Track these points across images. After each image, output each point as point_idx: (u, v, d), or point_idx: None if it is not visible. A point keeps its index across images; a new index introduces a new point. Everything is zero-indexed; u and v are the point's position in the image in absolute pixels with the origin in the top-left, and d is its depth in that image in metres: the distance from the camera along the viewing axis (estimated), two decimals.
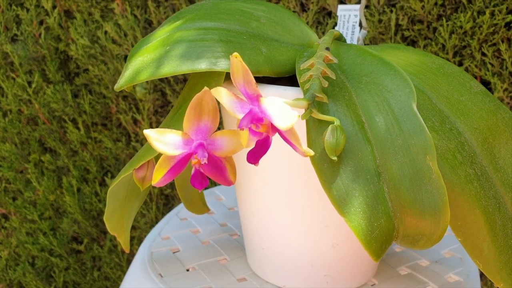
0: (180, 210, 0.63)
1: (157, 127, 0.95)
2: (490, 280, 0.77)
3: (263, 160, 0.32)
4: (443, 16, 0.70)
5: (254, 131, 0.30)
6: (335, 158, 0.31)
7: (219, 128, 0.33)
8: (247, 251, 0.50)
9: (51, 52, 0.94)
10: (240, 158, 0.40)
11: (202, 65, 0.36)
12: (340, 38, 0.43)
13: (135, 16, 0.88)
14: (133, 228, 1.01)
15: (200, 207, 0.57)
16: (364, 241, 0.31)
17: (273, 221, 0.44)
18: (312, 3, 0.77)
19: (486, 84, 0.71)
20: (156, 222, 0.99)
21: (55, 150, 1.02)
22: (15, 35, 0.94)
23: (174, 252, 0.53)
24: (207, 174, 0.34)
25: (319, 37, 0.44)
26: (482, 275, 0.71)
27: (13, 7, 0.92)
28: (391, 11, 0.72)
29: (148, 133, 0.31)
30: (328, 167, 0.32)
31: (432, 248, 0.45)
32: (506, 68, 0.68)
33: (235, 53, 0.29)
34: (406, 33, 0.72)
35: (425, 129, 0.31)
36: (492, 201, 0.36)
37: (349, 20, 0.51)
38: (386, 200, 0.32)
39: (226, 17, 0.41)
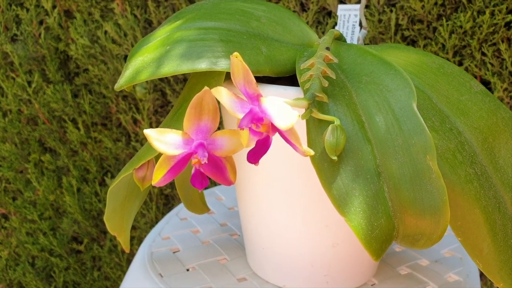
0: (180, 210, 0.63)
1: (157, 127, 0.94)
2: (490, 280, 0.77)
3: (263, 160, 0.32)
4: (443, 15, 0.70)
5: (254, 131, 0.30)
6: (335, 157, 0.31)
7: (219, 128, 0.33)
8: (247, 251, 0.50)
9: (51, 52, 0.94)
10: (240, 158, 0.40)
11: (203, 65, 0.36)
12: (340, 38, 0.43)
13: (135, 16, 0.88)
14: (133, 228, 1.01)
15: (200, 207, 0.57)
16: (364, 241, 0.31)
17: (273, 221, 0.44)
18: (312, 3, 0.77)
19: (486, 83, 0.71)
20: (156, 222, 0.99)
21: (55, 150, 1.02)
22: (15, 35, 0.94)
23: (174, 252, 0.53)
24: (207, 174, 0.34)
25: (319, 37, 0.44)
26: (482, 274, 0.71)
27: (13, 7, 0.92)
28: (391, 11, 0.72)
29: (148, 132, 0.31)
30: (328, 166, 0.32)
31: (432, 248, 0.45)
32: (506, 67, 0.68)
33: (236, 53, 0.29)
34: (406, 33, 0.72)
35: (425, 129, 0.31)
36: (492, 200, 0.36)
37: (349, 20, 0.51)
38: (386, 200, 0.32)
39: (226, 16, 0.41)
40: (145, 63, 0.38)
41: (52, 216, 1.03)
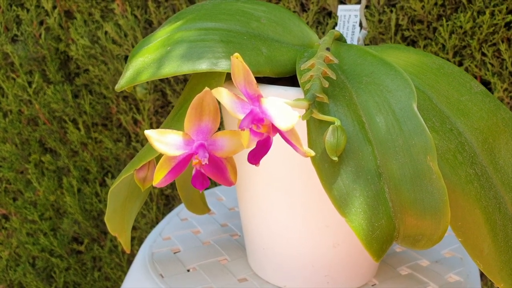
0: (180, 210, 0.63)
1: (157, 127, 0.95)
2: (490, 280, 0.77)
3: (263, 160, 0.32)
4: (443, 16, 0.70)
5: (255, 132, 0.30)
6: (335, 158, 0.31)
7: (219, 129, 0.33)
8: (247, 251, 0.50)
9: (51, 52, 0.94)
10: (241, 158, 0.40)
11: (203, 66, 0.36)
12: (340, 39, 0.43)
13: (135, 16, 0.88)
14: (134, 228, 1.01)
15: (201, 208, 0.57)
16: (365, 242, 0.32)
17: (274, 221, 0.44)
18: (312, 3, 0.77)
19: (486, 84, 0.71)
20: (157, 223, 0.99)
21: (56, 151, 1.02)
22: (16, 35, 0.94)
23: (175, 253, 0.53)
24: (208, 174, 0.34)
25: (320, 37, 0.44)
26: (482, 275, 0.71)
27: (13, 7, 0.92)
28: (391, 11, 0.72)
29: (149, 133, 0.31)
30: (328, 167, 0.32)
31: (432, 248, 0.45)
32: (506, 68, 0.68)
33: (236, 54, 0.29)
34: (406, 33, 0.72)
35: (425, 130, 0.31)
36: (492, 201, 0.36)
37: (349, 20, 0.51)
38: (387, 201, 0.32)
39: (226, 17, 0.41)
40: (145, 63, 0.38)
41: (52, 217, 1.03)
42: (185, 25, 0.40)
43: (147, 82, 0.92)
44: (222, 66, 0.36)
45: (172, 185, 0.97)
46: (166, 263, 0.51)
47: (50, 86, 0.95)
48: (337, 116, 0.33)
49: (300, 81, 0.35)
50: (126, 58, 0.91)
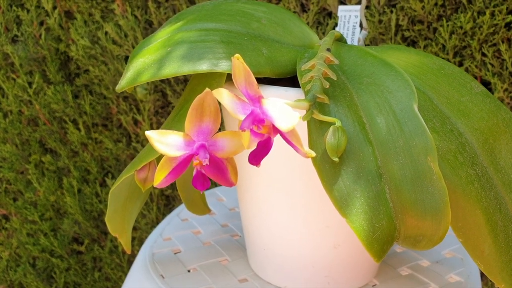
0: (181, 210, 0.63)
1: (157, 127, 0.95)
2: (490, 281, 0.77)
3: (264, 161, 0.32)
4: (443, 16, 0.70)
5: (255, 132, 0.30)
6: (336, 159, 0.31)
7: (220, 130, 0.33)
8: (248, 252, 0.50)
9: (52, 52, 0.94)
10: (241, 159, 0.40)
11: (204, 66, 0.36)
12: (341, 39, 0.43)
13: (136, 17, 0.88)
14: (134, 229, 1.01)
15: (202, 208, 0.57)
16: (365, 242, 0.32)
17: (275, 222, 0.44)
18: (313, 3, 0.77)
19: (486, 84, 0.71)
20: (157, 223, 0.99)
21: (56, 151, 1.02)
22: (16, 35, 0.94)
23: (175, 253, 0.53)
24: (209, 175, 0.34)
25: (320, 38, 0.44)
26: (482, 275, 0.71)
27: (14, 7, 0.92)
28: (391, 12, 0.72)
29: (150, 134, 0.31)
30: (329, 168, 0.32)
31: (433, 249, 0.45)
32: (506, 68, 0.68)
33: (237, 55, 0.29)
34: (406, 34, 0.73)
35: (426, 130, 0.31)
36: (493, 201, 0.36)
37: (350, 21, 0.51)
38: (388, 201, 0.32)
39: (227, 18, 0.41)
40: (146, 64, 0.38)
41: (52, 217, 1.03)
42: (185, 26, 0.40)
43: (148, 83, 0.92)
44: (222, 66, 0.36)
45: (173, 186, 0.97)
46: (167, 263, 0.51)
47: (50, 87, 0.95)
48: (338, 117, 0.33)
49: (301, 81, 0.35)
50: (126, 58, 0.91)
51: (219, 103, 0.32)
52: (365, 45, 0.49)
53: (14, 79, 0.96)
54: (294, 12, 0.79)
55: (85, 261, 1.06)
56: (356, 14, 0.50)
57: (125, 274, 1.04)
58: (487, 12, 0.66)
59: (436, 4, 0.69)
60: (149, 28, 0.89)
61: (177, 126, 0.38)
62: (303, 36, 0.43)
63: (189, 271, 0.50)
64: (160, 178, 0.33)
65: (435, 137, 0.34)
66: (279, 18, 0.43)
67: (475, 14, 0.67)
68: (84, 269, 1.06)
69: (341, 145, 0.31)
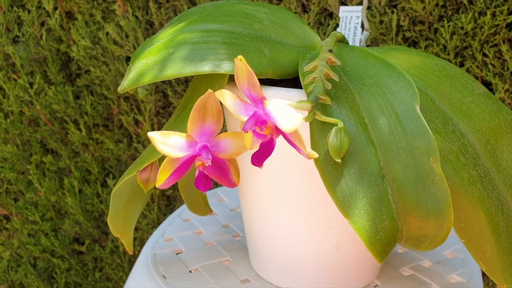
0: (182, 211, 0.63)
1: (158, 128, 0.95)
2: (491, 281, 0.77)
3: (266, 162, 0.32)
4: (444, 17, 0.70)
5: (258, 134, 0.30)
6: (339, 160, 0.31)
7: (222, 131, 0.33)
8: (250, 252, 0.50)
9: (53, 53, 0.94)
10: (243, 160, 0.40)
11: (206, 67, 0.36)
12: (342, 40, 0.43)
13: (137, 17, 0.88)
14: (135, 229, 1.01)
15: (203, 209, 0.57)
16: (368, 243, 0.32)
17: (277, 223, 0.44)
18: (313, 4, 0.77)
19: (487, 85, 0.71)
20: (158, 223, 0.99)
21: (57, 151, 1.02)
22: (17, 36, 0.94)
23: (177, 254, 0.53)
24: (211, 176, 0.34)
25: (321, 39, 0.44)
26: (484, 275, 0.71)
27: (15, 8, 0.92)
28: (392, 12, 0.73)
29: (153, 135, 0.31)
30: (332, 169, 0.32)
31: (434, 249, 0.45)
32: (507, 69, 0.68)
33: (240, 56, 0.29)
34: (407, 34, 0.73)
35: (428, 131, 0.31)
36: (495, 202, 0.36)
37: (351, 22, 0.51)
38: (390, 202, 0.32)
39: (229, 19, 0.41)
40: (148, 65, 0.38)
41: (53, 217, 1.03)
42: (187, 27, 0.40)
43: (149, 83, 0.92)
44: (224, 68, 0.36)
45: (174, 186, 0.97)
46: (169, 264, 0.51)
47: (51, 87, 0.95)
48: (340, 118, 0.33)
49: (303, 83, 0.35)
50: (127, 59, 0.91)
51: (221, 104, 0.32)
52: (366, 46, 0.49)
53: (15, 80, 0.96)
54: (295, 12, 0.79)
55: (86, 261, 1.06)
56: (358, 15, 0.50)
57: (126, 274, 1.04)
58: (488, 12, 0.66)
59: (437, 4, 0.69)
60: (150, 28, 0.89)
61: (179, 127, 0.38)
62: (304, 37, 0.43)
63: (190, 271, 0.50)
64: (162, 179, 0.33)
65: (437, 138, 0.35)
66: (280, 19, 0.43)
67: (476, 14, 0.67)
68: (85, 269, 1.06)
69: (344, 146, 0.31)
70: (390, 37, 0.73)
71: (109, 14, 0.91)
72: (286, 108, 0.29)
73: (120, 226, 0.48)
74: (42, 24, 0.94)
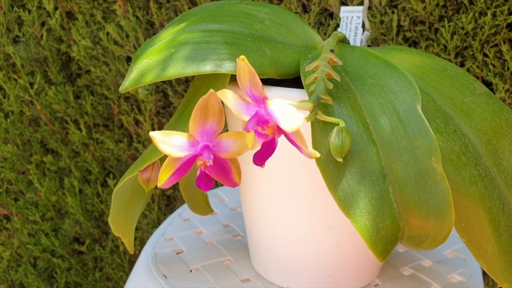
0: (183, 211, 0.63)
1: (159, 128, 0.95)
2: (492, 281, 0.77)
3: (268, 161, 0.32)
4: (444, 17, 0.70)
5: (260, 133, 0.30)
6: (340, 159, 0.31)
7: (223, 130, 0.34)
8: (251, 252, 0.51)
9: (53, 53, 0.94)
10: (244, 159, 0.40)
11: (207, 67, 0.36)
12: (344, 40, 0.43)
13: (137, 18, 0.89)
14: (135, 229, 1.01)
15: (204, 208, 0.57)
16: (369, 242, 0.32)
17: (278, 223, 0.44)
18: (314, 4, 0.77)
19: (488, 85, 0.71)
20: (158, 223, 0.99)
21: (57, 151, 1.02)
22: (17, 36, 0.94)
23: (178, 253, 0.53)
24: (213, 175, 0.34)
25: (322, 39, 0.44)
26: (484, 275, 0.71)
27: (15, 8, 0.92)
28: (393, 12, 0.73)
29: (154, 135, 0.31)
30: (333, 168, 0.32)
31: (435, 249, 0.45)
32: (508, 69, 0.68)
33: (242, 56, 0.29)
34: (408, 34, 0.73)
35: (429, 131, 0.32)
36: (496, 202, 0.36)
37: (352, 22, 0.51)
38: (391, 202, 0.32)
39: (230, 19, 0.41)
40: (150, 65, 0.38)
41: (54, 217, 1.03)
42: (189, 27, 0.40)
43: (150, 83, 0.92)
44: (226, 67, 0.36)
45: (174, 186, 0.97)
46: (169, 263, 0.51)
47: (51, 87, 0.95)
48: (342, 118, 0.33)
49: (305, 82, 0.35)
50: (127, 59, 0.92)
51: (223, 104, 0.32)
52: (367, 46, 0.49)
53: (16, 80, 0.96)
54: (296, 12, 0.79)
55: (86, 261, 1.06)
56: (359, 15, 0.50)
57: (126, 274, 1.04)
58: (489, 12, 0.66)
59: (437, 4, 0.69)
60: (151, 28, 0.89)
61: (181, 126, 0.38)
62: (306, 37, 0.43)
63: (191, 271, 0.50)
64: (164, 178, 0.33)
65: (439, 138, 0.35)
66: (281, 19, 0.43)
67: (476, 14, 0.67)
68: (85, 269, 1.06)
69: (345, 145, 0.31)
70: (391, 37, 0.74)
71: (109, 14, 0.91)
72: (288, 108, 0.29)
73: (121, 225, 0.48)
74: (43, 24, 0.94)
